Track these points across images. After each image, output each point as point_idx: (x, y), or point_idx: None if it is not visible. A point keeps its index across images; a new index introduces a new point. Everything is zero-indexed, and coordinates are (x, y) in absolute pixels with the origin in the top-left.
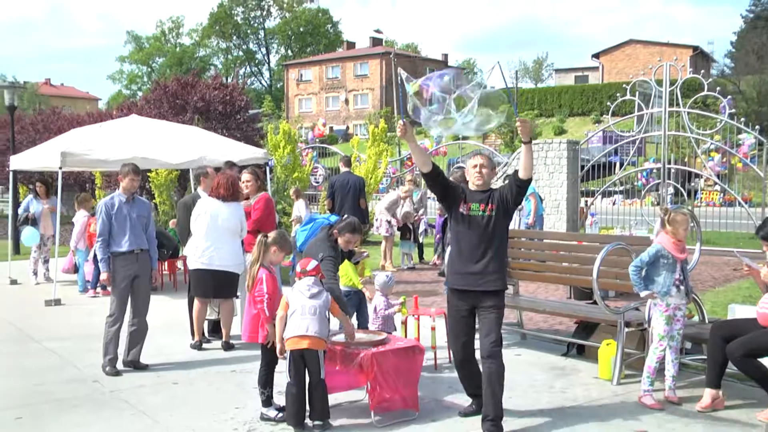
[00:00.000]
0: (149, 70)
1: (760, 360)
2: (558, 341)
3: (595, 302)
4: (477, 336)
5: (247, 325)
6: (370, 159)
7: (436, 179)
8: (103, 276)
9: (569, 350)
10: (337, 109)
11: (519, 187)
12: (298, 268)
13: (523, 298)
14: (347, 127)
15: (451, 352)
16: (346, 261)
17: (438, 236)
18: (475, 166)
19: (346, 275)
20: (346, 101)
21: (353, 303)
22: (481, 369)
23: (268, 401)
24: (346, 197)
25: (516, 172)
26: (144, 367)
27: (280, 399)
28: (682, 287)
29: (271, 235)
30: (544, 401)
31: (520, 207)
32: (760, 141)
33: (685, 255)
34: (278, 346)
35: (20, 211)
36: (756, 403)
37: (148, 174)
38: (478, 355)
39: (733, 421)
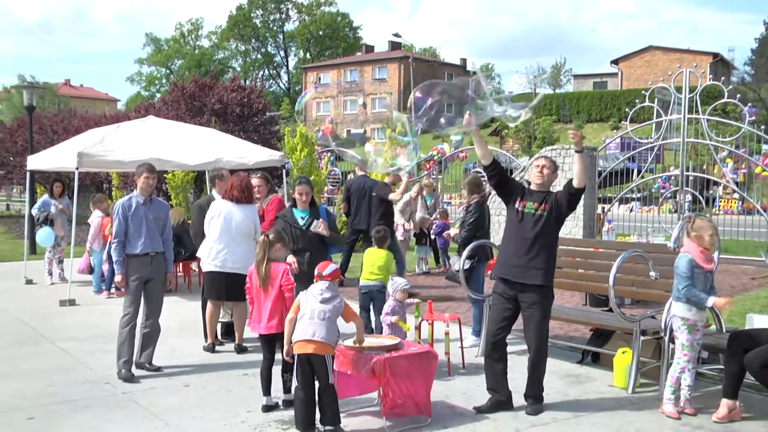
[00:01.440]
0: (168, 71)
1: None
2: (573, 348)
3: (610, 310)
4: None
5: (268, 317)
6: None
7: (495, 172)
8: (118, 278)
9: (584, 358)
10: (355, 113)
11: (571, 194)
12: (316, 272)
13: None
14: (365, 131)
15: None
16: (385, 252)
17: (441, 241)
18: (538, 166)
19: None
20: (364, 105)
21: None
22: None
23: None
24: (362, 201)
25: (570, 180)
26: (157, 369)
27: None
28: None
29: (272, 233)
30: (559, 409)
31: None
32: None
33: (712, 265)
34: (285, 348)
35: (35, 211)
36: None
37: (165, 176)
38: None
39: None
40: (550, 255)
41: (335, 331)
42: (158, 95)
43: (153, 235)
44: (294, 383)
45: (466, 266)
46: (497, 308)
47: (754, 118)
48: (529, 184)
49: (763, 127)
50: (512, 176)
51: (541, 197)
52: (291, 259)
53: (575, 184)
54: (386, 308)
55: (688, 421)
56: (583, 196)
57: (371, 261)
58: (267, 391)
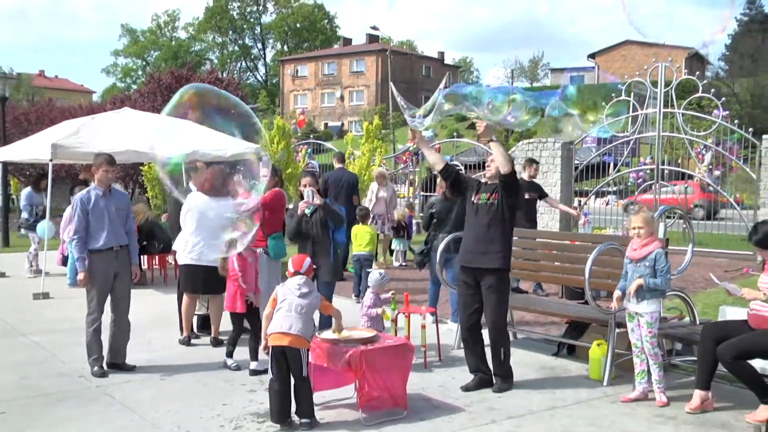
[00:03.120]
0: (144, 63)
1: (750, 362)
2: (549, 341)
3: (586, 302)
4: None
5: (228, 299)
6: (364, 156)
7: (447, 175)
8: (80, 276)
9: (560, 350)
10: (333, 106)
11: (502, 182)
12: (290, 267)
13: (514, 297)
14: (342, 124)
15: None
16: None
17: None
18: (486, 161)
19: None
20: (342, 98)
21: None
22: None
23: (230, 354)
24: (340, 194)
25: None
26: (131, 369)
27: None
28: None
29: None
30: (535, 401)
31: None
32: (753, 143)
33: (636, 254)
34: (263, 342)
35: (25, 210)
36: (745, 405)
37: (141, 168)
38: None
39: (722, 423)
40: (505, 240)
41: (311, 326)
42: (134, 87)
43: (116, 228)
44: (269, 375)
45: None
46: (464, 296)
47: (727, 112)
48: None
49: (736, 121)
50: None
51: (492, 188)
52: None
53: (501, 170)
54: (367, 301)
55: (662, 412)
56: (560, 190)
57: (359, 236)
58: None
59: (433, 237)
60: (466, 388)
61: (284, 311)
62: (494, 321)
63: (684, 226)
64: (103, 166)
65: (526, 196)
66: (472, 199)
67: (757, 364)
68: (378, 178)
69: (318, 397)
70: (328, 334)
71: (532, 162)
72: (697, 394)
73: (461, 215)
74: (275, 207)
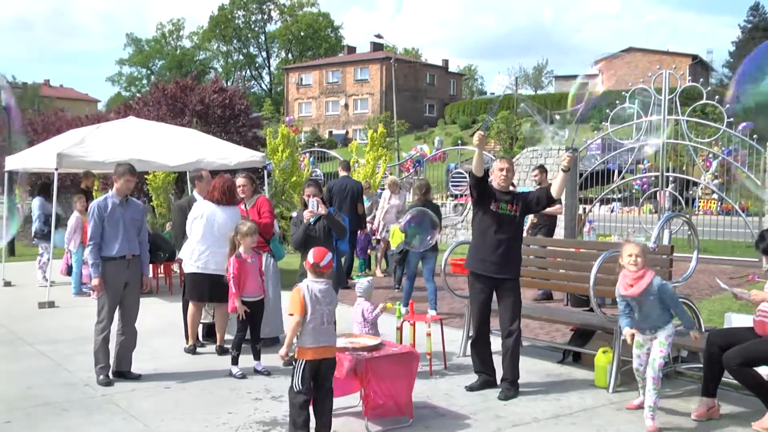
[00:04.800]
0: (149, 72)
1: (756, 369)
2: (554, 348)
3: (591, 309)
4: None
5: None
6: (369, 164)
7: (482, 183)
8: (95, 281)
9: (565, 357)
10: (337, 114)
11: (549, 200)
12: (310, 258)
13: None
14: (347, 132)
15: (470, 329)
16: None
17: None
18: (502, 169)
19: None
20: (346, 106)
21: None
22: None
23: (235, 361)
24: (344, 202)
25: (549, 188)
26: (136, 377)
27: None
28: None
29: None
30: (540, 409)
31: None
32: (758, 149)
33: (634, 290)
34: (284, 350)
35: (37, 214)
36: (752, 413)
37: (146, 176)
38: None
39: (728, 431)
40: (520, 250)
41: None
42: (139, 95)
43: (130, 236)
44: (296, 388)
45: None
46: (478, 302)
47: (732, 119)
48: (425, 192)
49: (740, 129)
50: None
51: (510, 198)
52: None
53: (554, 195)
54: (368, 309)
55: (669, 420)
56: (565, 197)
57: (395, 235)
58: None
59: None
60: (470, 388)
61: (319, 323)
62: (510, 326)
63: (689, 232)
64: (125, 175)
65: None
66: (491, 207)
67: (764, 371)
68: (391, 186)
69: None
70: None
71: (542, 169)
72: (703, 402)
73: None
74: (272, 212)
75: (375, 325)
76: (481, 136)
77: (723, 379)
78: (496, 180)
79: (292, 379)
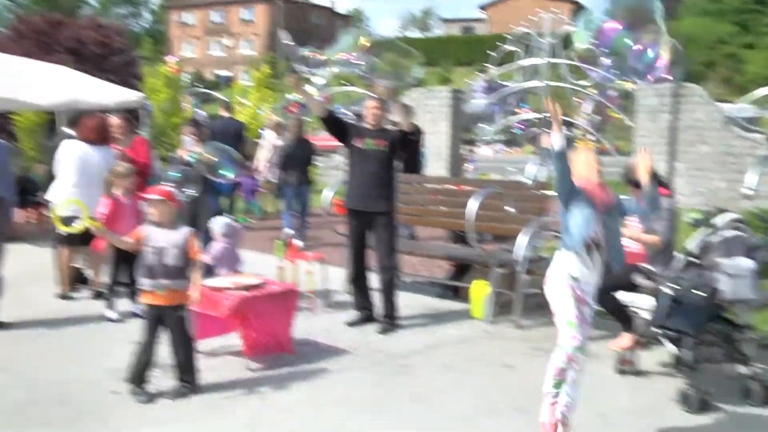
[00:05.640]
0: (10, 2)
1: (614, 294)
2: (434, 283)
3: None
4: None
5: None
6: (253, 105)
7: (329, 123)
8: None
9: (445, 292)
10: (222, 55)
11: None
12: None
13: (402, 241)
14: (231, 74)
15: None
16: None
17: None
18: (368, 107)
19: None
20: (230, 47)
21: None
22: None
23: (111, 304)
24: (226, 142)
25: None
26: (6, 326)
27: None
28: (595, 254)
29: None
30: (418, 341)
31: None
32: (629, 92)
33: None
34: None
35: None
36: (610, 335)
37: (12, 117)
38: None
39: (590, 353)
40: (393, 185)
41: (186, 274)
42: (3, 30)
43: None
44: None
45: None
46: (353, 238)
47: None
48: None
49: (618, 71)
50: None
51: (377, 134)
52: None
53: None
54: (214, 253)
55: (540, 345)
56: (448, 138)
57: None
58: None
59: (286, 175)
60: (351, 324)
61: (154, 259)
62: (386, 262)
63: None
64: None
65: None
66: (357, 144)
67: (622, 296)
68: (275, 127)
69: (203, 345)
70: (212, 281)
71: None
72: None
73: (306, 156)
74: (149, 153)
75: (230, 262)
76: (295, 80)
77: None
78: (367, 117)
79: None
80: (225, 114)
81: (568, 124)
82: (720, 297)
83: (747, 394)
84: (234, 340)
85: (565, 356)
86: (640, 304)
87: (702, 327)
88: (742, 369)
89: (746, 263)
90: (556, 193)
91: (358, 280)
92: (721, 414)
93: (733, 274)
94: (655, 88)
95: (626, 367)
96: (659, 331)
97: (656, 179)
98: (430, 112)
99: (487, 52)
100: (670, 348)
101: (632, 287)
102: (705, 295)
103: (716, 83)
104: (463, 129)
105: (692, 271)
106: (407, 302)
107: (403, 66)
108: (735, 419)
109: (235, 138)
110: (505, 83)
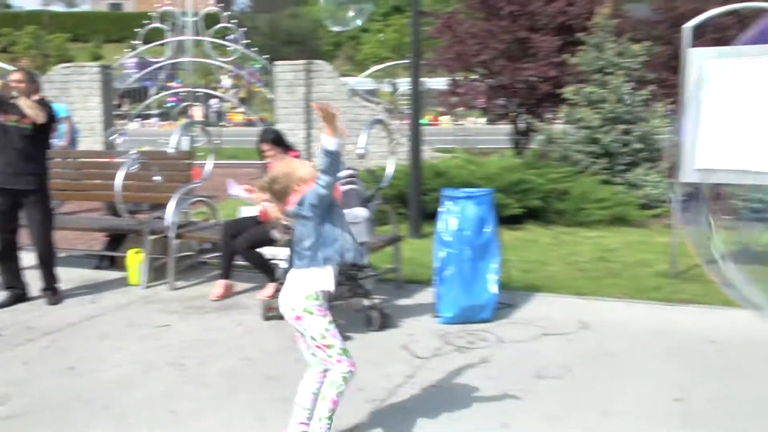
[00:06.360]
0: None
1: (259, 250)
2: (90, 256)
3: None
4: None
5: None
6: None
7: None
8: None
9: (101, 263)
10: None
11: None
12: None
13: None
14: None
15: None
16: None
17: None
18: (9, 81)
19: None
20: None
21: None
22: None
23: None
24: None
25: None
26: None
27: None
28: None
29: None
30: (74, 313)
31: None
32: (267, 69)
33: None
34: None
35: None
36: (258, 287)
37: None
38: None
39: (240, 304)
40: (41, 162)
41: None
42: None
43: None
44: None
45: None
46: (4, 216)
47: (249, 41)
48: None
49: (255, 49)
50: None
51: (20, 111)
52: None
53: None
54: None
55: (191, 303)
56: (100, 113)
57: None
58: None
59: None
60: (2, 305)
61: None
62: (41, 239)
63: (218, 141)
64: None
65: None
66: (1, 120)
67: (265, 251)
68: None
69: None
70: None
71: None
72: (220, 284)
73: None
74: None
75: None
76: None
77: (236, 262)
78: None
79: None
80: None
81: (218, 98)
82: None
83: (369, 322)
84: None
85: (342, 386)
86: (280, 255)
87: None
88: (365, 301)
89: (361, 212)
90: (321, 197)
91: (5, 258)
92: (351, 342)
93: (351, 222)
94: (290, 64)
95: (271, 313)
96: None
97: (284, 143)
98: (80, 88)
99: (135, 29)
100: None
101: (271, 242)
102: None
103: (342, 60)
104: (116, 105)
105: None
106: (65, 276)
107: None
108: (360, 343)
109: None
110: (155, 60)
